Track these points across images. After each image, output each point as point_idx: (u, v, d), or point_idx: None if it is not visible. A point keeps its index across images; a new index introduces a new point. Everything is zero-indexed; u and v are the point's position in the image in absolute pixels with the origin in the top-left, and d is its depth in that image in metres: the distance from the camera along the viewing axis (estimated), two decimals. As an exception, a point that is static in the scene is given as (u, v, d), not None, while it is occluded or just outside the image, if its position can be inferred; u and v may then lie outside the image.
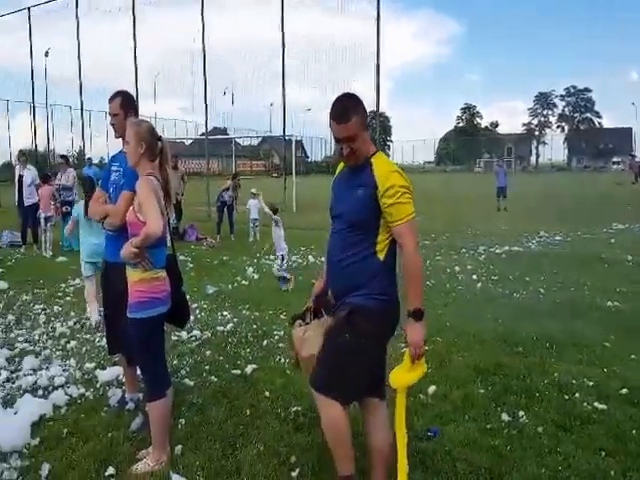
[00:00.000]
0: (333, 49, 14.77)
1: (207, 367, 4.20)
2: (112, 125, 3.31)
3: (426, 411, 3.38)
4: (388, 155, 66.32)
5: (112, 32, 16.72)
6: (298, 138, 19.04)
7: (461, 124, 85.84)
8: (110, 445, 3.03)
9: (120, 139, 3.26)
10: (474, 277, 7.39)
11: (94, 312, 5.35)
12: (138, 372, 3.56)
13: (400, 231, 2.18)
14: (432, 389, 3.66)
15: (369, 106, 15.63)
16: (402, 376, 2.24)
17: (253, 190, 12.03)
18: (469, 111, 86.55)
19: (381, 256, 2.23)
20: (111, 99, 3.31)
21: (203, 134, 20.03)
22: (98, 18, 17.18)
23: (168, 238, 3.00)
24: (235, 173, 13.50)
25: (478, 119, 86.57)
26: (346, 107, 2.21)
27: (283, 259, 7.02)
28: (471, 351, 4.44)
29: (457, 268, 8.01)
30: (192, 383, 3.87)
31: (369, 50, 13.16)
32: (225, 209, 11.85)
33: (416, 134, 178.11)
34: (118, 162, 3.25)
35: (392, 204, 2.15)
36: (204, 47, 15.02)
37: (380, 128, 15.71)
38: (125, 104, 3.30)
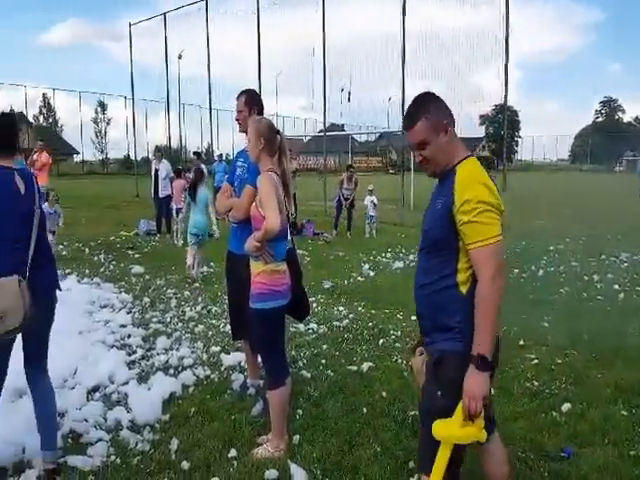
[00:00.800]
0: (456, 40, 14.17)
1: (323, 361, 4.25)
2: (237, 121, 3.49)
3: (559, 430, 3.13)
4: (514, 152, 62.16)
5: (238, 33, 17.79)
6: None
7: (600, 119, 78.10)
8: (233, 427, 3.18)
9: (244, 135, 3.42)
10: (616, 287, 6.63)
11: (191, 269, 7.24)
12: (259, 359, 3.71)
13: (475, 257, 1.80)
14: (566, 407, 3.38)
15: (496, 99, 14.53)
16: (450, 428, 1.84)
17: (370, 187, 12.02)
18: (609, 105, 78.50)
19: (463, 289, 1.86)
20: (238, 97, 3.50)
21: (321, 131, 20.49)
22: (226, 21, 18.40)
23: (288, 232, 3.06)
24: (349, 165, 13.52)
25: (620, 114, 78.23)
26: (412, 109, 1.93)
27: None
28: (612, 368, 4.01)
29: (595, 276, 7.25)
30: (309, 375, 3.94)
31: (496, 39, 12.40)
32: (343, 205, 11.98)
33: (547, 130, 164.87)
34: (243, 158, 3.42)
35: (467, 222, 1.78)
36: (324, 44, 15.32)
37: (507, 123, 14.77)
38: (249, 102, 3.47)
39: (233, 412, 3.37)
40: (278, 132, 2.98)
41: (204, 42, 18.32)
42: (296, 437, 3.02)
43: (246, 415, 3.33)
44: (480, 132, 39.20)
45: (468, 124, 15.46)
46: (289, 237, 3.09)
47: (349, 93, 17.93)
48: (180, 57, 21.53)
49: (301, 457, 2.84)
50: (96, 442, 3.07)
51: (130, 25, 21.27)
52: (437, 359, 1.91)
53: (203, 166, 12.11)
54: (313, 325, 5.05)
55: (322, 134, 18.23)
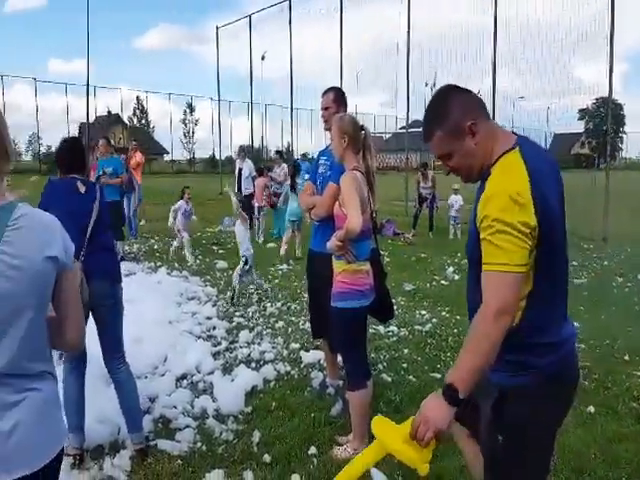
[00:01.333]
0: (552, 29, 13.35)
1: (405, 365, 4.18)
2: (323, 118, 3.51)
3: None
4: (619, 149, 56.90)
5: (319, 32, 17.99)
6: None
7: None
8: (313, 425, 3.23)
9: (326, 133, 3.44)
10: None
11: (286, 255, 8.54)
12: (339, 359, 3.73)
13: (483, 282, 1.50)
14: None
15: (597, 92, 13.38)
16: (390, 434, 1.59)
17: (455, 186, 11.65)
18: None
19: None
20: (324, 93, 3.51)
21: (402, 128, 20.21)
22: (308, 20, 18.70)
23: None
24: (424, 162, 13.14)
25: None
26: (426, 119, 1.67)
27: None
28: None
29: None
30: (390, 379, 3.90)
31: (599, 27, 11.51)
32: (424, 204, 11.74)
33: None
34: (326, 156, 3.44)
35: (482, 239, 1.50)
36: (408, 38, 15.08)
37: (611, 117, 13.70)
38: (337, 99, 3.47)
39: (313, 410, 3.42)
40: (362, 128, 2.96)
41: (286, 42, 18.76)
42: (377, 441, 2.99)
43: (325, 414, 3.36)
44: (579, 127, 36.64)
45: (566, 118, 14.51)
46: (373, 237, 3.07)
47: (432, 87, 17.47)
48: (263, 58, 22.18)
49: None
50: (184, 428, 3.25)
51: (217, 28, 22.22)
52: (496, 399, 1.62)
53: (285, 165, 12.44)
54: (393, 328, 4.99)
55: (404, 131, 17.96)
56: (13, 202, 1.34)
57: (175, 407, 3.51)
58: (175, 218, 8.68)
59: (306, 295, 5.71)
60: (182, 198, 8.84)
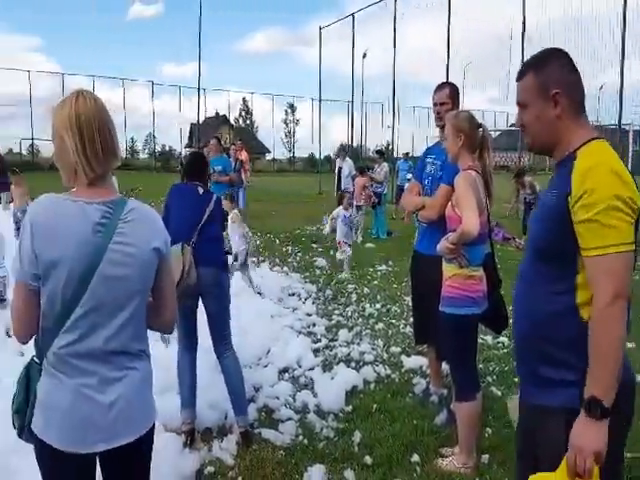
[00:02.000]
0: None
1: (516, 380, 3.96)
2: (437, 114, 3.39)
3: None
4: None
5: (423, 27, 17.58)
6: (637, 127, 16.09)
7: None
8: (415, 432, 3.18)
9: (431, 131, 3.35)
10: None
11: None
12: (443, 367, 3.63)
13: (591, 268, 1.39)
14: None
15: None
16: None
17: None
18: None
19: (585, 314, 1.43)
20: (439, 89, 3.41)
21: (512, 125, 19.20)
22: (412, 15, 18.36)
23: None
24: (517, 172, 12.05)
25: None
26: (526, 62, 1.59)
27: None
28: None
29: None
30: (499, 393, 3.73)
31: None
32: (531, 210, 11.09)
33: None
34: (434, 154, 3.34)
35: (585, 220, 1.37)
36: (524, 30, 14.28)
37: None
38: (453, 95, 3.35)
39: (415, 417, 3.36)
40: (480, 126, 2.84)
41: (388, 39, 18.60)
42: (485, 456, 2.88)
43: (429, 423, 3.28)
44: None
45: None
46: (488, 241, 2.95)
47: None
48: (364, 56, 22.22)
49: (490, 479, 2.69)
50: (286, 420, 3.36)
51: (320, 29, 22.65)
52: (563, 421, 1.44)
53: (385, 165, 12.36)
54: (503, 339, 4.75)
55: (515, 129, 17.03)
56: (124, 197, 1.52)
57: (277, 398, 3.65)
58: (333, 226, 8.31)
59: (407, 298, 5.67)
60: (340, 204, 8.31)
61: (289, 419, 3.38)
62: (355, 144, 25.84)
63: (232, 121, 48.65)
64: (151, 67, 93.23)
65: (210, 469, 2.86)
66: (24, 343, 1.50)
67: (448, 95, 3.35)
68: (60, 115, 1.44)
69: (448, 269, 2.79)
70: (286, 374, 4.09)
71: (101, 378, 1.45)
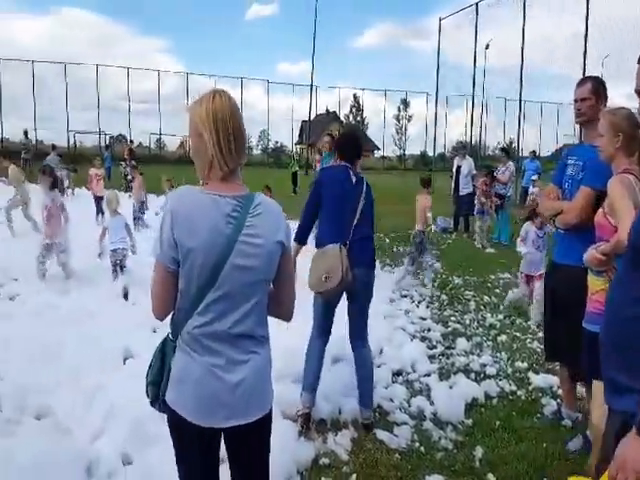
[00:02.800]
0: None
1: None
2: (577, 111, 3.13)
3: None
4: None
5: (554, 14, 16.30)
6: None
7: None
8: (545, 455, 2.98)
9: (569, 128, 3.10)
10: None
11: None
12: (578, 389, 3.37)
13: None
14: None
15: None
16: None
17: None
18: None
19: None
20: (581, 83, 3.14)
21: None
22: (542, 3, 17.13)
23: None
24: None
25: None
26: None
27: None
28: None
29: None
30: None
31: None
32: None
33: None
34: (576, 155, 3.09)
35: None
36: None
37: None
38: (596, 90, 3.07)
39: (544, 439, 3.15)
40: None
41: (513, 30, 17.54)
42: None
43: (560, 447, 3.06)
44: None
45: None
46: None
47: None
48: (487, 47, 21.24)
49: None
50: (401, 424, 3.32)
51: (440, 20, 22.04)
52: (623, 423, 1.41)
53: (511, 164, 11.72)
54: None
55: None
56: (252, 193, 1.60)
57: (392, 400, 3.61)
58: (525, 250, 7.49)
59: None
60: (530, 219, 7.14)
61: (404, 423, 3.34)
62: (474, 141, 24.90)
63: (342, 118, 49.20)
64: (267, 66, 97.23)
65: (325, 460, 2.91)
66: (160, 320, 1.62)
67: (590, 90, 3.08)
68: (199, 113, 1.53)
69: (595, 283, 2.56)
70: (400, 377, 4.04)
71: (228, 359, 1.55)
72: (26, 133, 20.72)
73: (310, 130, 33.98)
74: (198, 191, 1.54)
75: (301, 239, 3.36)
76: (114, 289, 5.67)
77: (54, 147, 16.87)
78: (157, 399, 1.64)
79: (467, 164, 11.76)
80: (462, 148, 12.92)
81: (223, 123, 1.52)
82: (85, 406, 3.19)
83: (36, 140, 28.39)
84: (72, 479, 2.54)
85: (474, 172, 11.49)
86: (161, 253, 1.51)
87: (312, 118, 34.12)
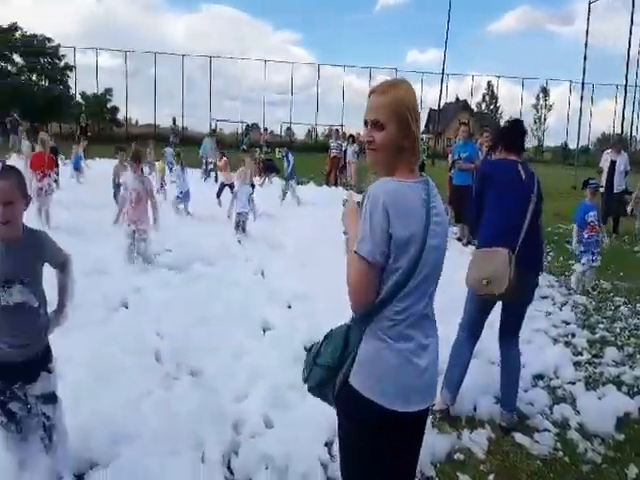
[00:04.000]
0: None
1: None
2: None
3: None
4: None
5: None
6: None
7: None
8: None
9: None
10: None
11: None
12: None
13: None
14: None
15: None
16: None
17: None
18: None
19: None
20: None
21: None
22: None
23: None
24: None
25: None
26: None
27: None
28: None
29: None
30: None
31: None
32: None
33: None
34: None
35: None
36: None
37: None
38: None
39: None
40: None
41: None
42: None
43: None
44: None
45: None
46: None
47: None
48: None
49: None
50: (542, 431, 3.16)
51: (589, 3, 20.06)
52: None
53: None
54: None
55: None
56: (426, 176, 1.61)
57: (532, 405, 3.44)
58: None
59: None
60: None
61: (546, 430, 3.17)
62: (623, 135, 22.47)
63: (473, 106, 46.98)
64: (396, 55, 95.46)
65: (459, 456, 2.88)
66: (357, 312, 1.58)
67: None
68: (404, 101, 1.55)
69: None
70: (541, 381, 3.82)
71: (417, 344, 1.56)
72: (174, 120, 22.65)
73: (439, 119, 33.04)
74: (396, 182, 1.53)
75: (475, 236, 3.31)
76: (249, 266, 6.11)
77: (212, 133, 17.48)
78: (325, 384, 1.63)
79: (623, 160, 10.65)
80: (619, 142, 11.64)
81: (414, 113, 1.57)
82: (230, 369, 3.47)
83: (182, 127, 31.03)
84: (222, 433, 2.78)
85: (629, 168, 10.38)
86: (370, 247, 1.49)
87: (441, 107, 33.08)
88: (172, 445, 2.63)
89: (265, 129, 17.61)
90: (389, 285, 1.52)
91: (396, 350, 1.53)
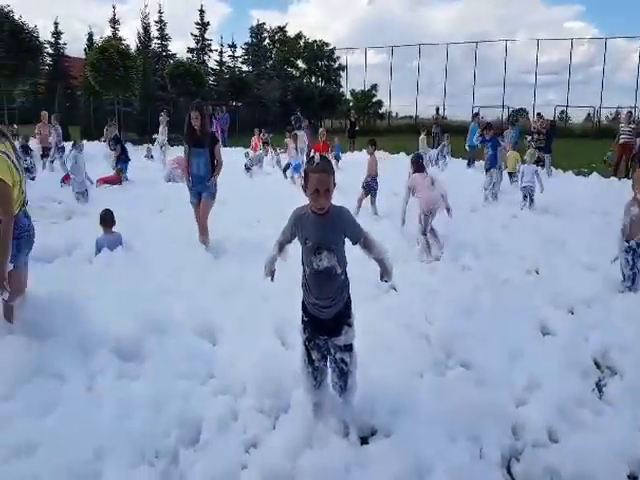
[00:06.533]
0: None
1: None
2: None
3: None
4: None
5: None
6: None
7: None
8: None
9: None
10: None
11: None
12: None
13: None
14: None
15: None
16: None
17: None
18: None
19: None
20: None
21: None
22: None
23: None
24: None
25: None
26: None
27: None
28: None
29: None
30: None
31: None
32: None
33: None
34: None
35: None
36: None
37: None
38: None
39: None
40: None
41: None
42: None
43: None
44: None
45: None
46: None
47: None
48: None
49: None
50: None
51: None
52: None
53: None
54: None
55: None
56: None
57: None
58: None
59: None
60: None
61: None
62: None
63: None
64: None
65: None
66: None
67: None
68: None
69: None
70: None
71: None
72: (437, 109, 22.74)
73: None
74: None
75: None
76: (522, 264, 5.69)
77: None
78: None
79: None
80: None
81: None
82: (506, 369, 3.26)
83: (443, 116, 31.14)
84: (500, 434, 2.63)
85: None
86: None
87: None
88: (448, 430, 2.60)
89: (538, 114, 16.20)
90: None
91: None
